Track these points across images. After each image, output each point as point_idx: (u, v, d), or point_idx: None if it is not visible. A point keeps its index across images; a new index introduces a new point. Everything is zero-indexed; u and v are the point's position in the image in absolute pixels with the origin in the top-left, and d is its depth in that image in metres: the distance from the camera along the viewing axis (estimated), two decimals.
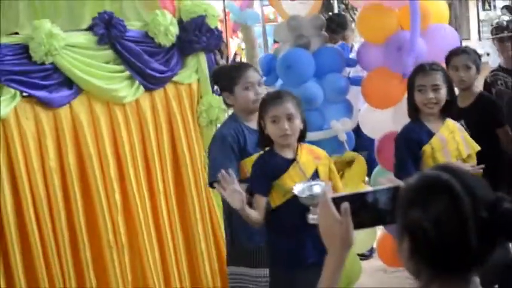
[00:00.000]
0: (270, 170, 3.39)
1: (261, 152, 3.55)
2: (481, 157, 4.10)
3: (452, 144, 3.83)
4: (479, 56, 4.71)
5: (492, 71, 5.70)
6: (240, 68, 3.88)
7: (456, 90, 4.16)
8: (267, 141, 3.45)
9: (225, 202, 3.87)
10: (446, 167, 1.65)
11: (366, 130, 5.34)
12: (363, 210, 1.79)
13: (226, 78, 3.83)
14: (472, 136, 4.15)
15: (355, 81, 5.00)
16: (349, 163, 3.75)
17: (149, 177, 4.29)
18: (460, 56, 4.56)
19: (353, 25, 7.04)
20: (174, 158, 4.40)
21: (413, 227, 1.59)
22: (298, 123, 3.38)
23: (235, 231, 3.76)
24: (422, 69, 3.85)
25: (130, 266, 4.15)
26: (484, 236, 1.54)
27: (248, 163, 3.65)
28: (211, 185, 3.77)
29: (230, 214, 3.77)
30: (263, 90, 3.83)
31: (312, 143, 3.69)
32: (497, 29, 6.73)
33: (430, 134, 3.83)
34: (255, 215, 3.35)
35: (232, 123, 3.78)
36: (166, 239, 4.33)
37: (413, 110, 3.89)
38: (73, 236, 3.94)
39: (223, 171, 3.26)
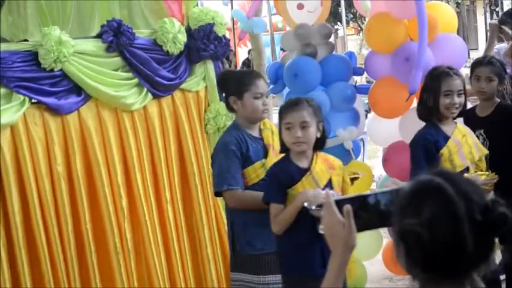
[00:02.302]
0: (284, 178, 3.39)
1: (276, 160, 3.55)
2: (499, 166, 4.12)
3: (466, 147, 3.91)
4: (504, 68, 4.70)
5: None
6: (252, 75, 3.86)
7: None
8: (285, 147, 3.46)
9: (227, 211, 3.88)
10: (440, 171, 1.66)
11: (373, 139, 5.36)
12: (366, 213, 1.84)
13: (237, 83, 3.79)
14: (491, 145, 4.18)
15: (362, 90, 5.02)
16: (352, 180, 3.75)
17: (156, 184, 4.31)
18: (485, 67, 4.58)
19: (361, 34, 7.04)
20: (181, 164, 4.42)
21: (407, 232, 1.60)
22: (312, 132, 3.37)
23: (236, 239, 3.76)
24: (447, 74, 3.91)
25: (136, 271, 4.16)
26: (479, 239, 1.54)
27: (251, 171, 3.66)
28: (217, 194, 3.77)
29: (232, 222, 3.79)
30: (270, 102, 3.84)
31: None
32: None
33: (446, 138, 3.88)
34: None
35: (235, 131, 3.76)
36: (173, 245, 4.34)
37: (431, 113, 3.93)
38: (80, 241, 3.96)
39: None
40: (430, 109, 3.92)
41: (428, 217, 1.56)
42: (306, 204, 3.18)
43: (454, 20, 5.03)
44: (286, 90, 4.96)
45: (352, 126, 4.81)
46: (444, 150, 3.86)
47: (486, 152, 4.02)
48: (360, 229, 1.82)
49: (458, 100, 3.86)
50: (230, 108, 3.86)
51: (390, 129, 4.89)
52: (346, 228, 1.79)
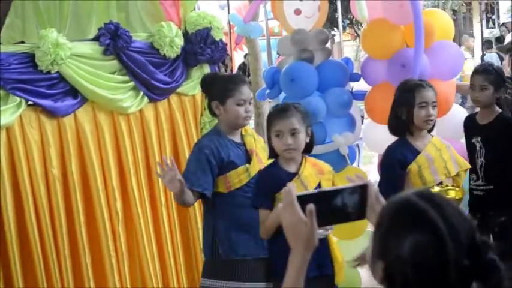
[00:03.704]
0: (272, 183, 3.38)
1: (265, 166, 3.56)
2: (494, 175, 4.09)
3: (440, 162, 3.82)
4: (503, 76, 4.63)
5: None
6: (236, 81, 3.77)
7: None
8: (274, 153, 3.47)
9: (208, 214, 3.79)
10: (432, 198, 1.57)
11: (369, 145, 5.36)
12: (328, 209, 1.78)
13: (220, 87, 3.72)
14: (487, 154, 4.14)
15: (358, 96, 5.02)
16: None
17: (151, 187, 4.31)
18: (479, 76, 4.50)
19: (357, 40, 7.06)
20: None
21: (389, 257, 1.53)
22: (302, 138, 3.39)
23: (219, 242, 3.67)
24: (420, 85, 3.86)
25: (130, 273, 4.16)
26: (462, 280, 1.49)
27: (234, 176, 3.64)
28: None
29: (214, 225, 3.70)
30: (252, 108, 3.81)
31: (314, 156, 3.71)
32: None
33: (416, 153, 3.82)
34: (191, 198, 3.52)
35: (215, 137, 3.71)
36: (167, 248, 4.34)
37: (404, 128, 3.87)
38: (74, 243, 3.96)
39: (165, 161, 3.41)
40: (404, 123, 3.85)
41: (416, 250, 1.49)
42: None
43: (450, 27, 5.04)
44: (283, 95, 4.96)
45: (348, 131, 4.81)
46: (412, 166, 3.80)
47: (467, 166, 3.94)
48: (321, 225, 1.76)
49: (433, 112, 3.79)
50: (212, 112, 3.79)
51: (386, 135, 4.88)
52: (308, 227, 1.73)
